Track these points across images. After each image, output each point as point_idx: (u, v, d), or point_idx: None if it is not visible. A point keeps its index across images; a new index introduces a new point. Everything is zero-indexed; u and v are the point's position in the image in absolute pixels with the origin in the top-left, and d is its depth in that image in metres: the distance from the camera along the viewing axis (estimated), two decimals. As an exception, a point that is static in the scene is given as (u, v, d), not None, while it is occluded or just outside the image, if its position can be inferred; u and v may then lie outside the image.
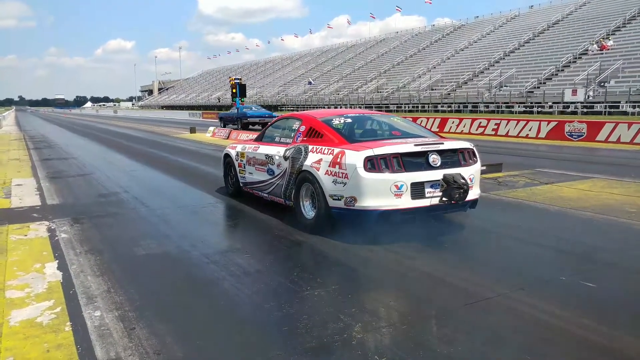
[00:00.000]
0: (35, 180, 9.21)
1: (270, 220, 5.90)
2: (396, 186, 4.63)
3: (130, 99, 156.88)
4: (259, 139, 6.85)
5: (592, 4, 40.18)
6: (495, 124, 19.85)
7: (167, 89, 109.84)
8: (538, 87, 31.36)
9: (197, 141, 19.02)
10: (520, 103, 30.84)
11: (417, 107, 37.53)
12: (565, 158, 12.43)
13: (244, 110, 26.79)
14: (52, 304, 3.47)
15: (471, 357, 2.76)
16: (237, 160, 7.11)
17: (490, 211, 6.10)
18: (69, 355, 2.77)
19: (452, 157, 5.06)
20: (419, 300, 3.61)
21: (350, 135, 5.38)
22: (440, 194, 4.77)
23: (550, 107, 28.75)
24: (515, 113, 29.07)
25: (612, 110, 25.28)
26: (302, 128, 5.79)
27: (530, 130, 18.44)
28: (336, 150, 4.99)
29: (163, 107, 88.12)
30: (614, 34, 33.03)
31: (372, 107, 38.79)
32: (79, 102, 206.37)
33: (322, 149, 5.20)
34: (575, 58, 32.46)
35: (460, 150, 5.17)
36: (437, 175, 4.78)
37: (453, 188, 4.71)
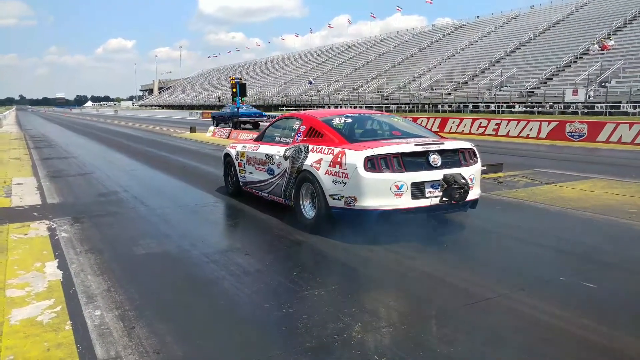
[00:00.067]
0: (36, 180, 9.21)
1: (270, 219, 5.90)
2: (396, 186, 4.63)
3: (131, 99, 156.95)
4: (259, 139, 6.85)
5: (593, 4, 40.15)
6: (496, 124, 19.85)
7: (167, 89, 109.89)
8: (539, 87, 31.34)
9: (197, 141, 19.02)
10: (521, 103, 30.82)
11: (418, 107, 37.51)
12: (566, 158, 12.43)
13: (235, 109, 27.36)
14: (52, 303, 3.47)
15: (471, 357, 2.75)
16: (237, 160, 7.11)
17: (491, 211, 6.10)
18: (69, 354, 2.77)
19: (452, 157, 5.06)
20: (419, 300, 3.61)
21: (351, 135, 5.38)
22: (441, 194, 4.77)
23: (551, 107, 28.73)
24: (516, 113, 29.06)
25: (613, 110, 25.25)
26: (303, 128, 5.79)
27: (530, 130, 18.44)
28: (336, 150, 4.99)
29: (163, 107, 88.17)
30: (614, 34, 33.01)
31: (372, 107, 38.78)
32: (80, 101, 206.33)
33: (322, 148, 5.20)
34: (576, 58, 32.43)
35: (461, 150, 5.17)
36: (437, 175, 4.78)
37: (453, 188, 4.71)
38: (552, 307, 3.33)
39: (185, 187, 8.62)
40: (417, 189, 4.72)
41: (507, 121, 19.76)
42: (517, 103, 30.96)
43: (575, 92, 27.21)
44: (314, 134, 5.55)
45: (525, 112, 29.07)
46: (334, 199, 4.91)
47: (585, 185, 7.87)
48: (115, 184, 8.68)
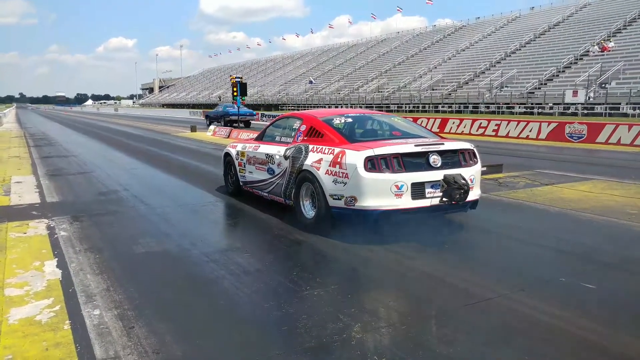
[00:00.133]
0: (35, 178, 9.20)
1: (270, 219, 5.90)
2: (396, 186, 4.62)
3: (131, 97, 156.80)
4: (259, 138, 6.84)
5: (593, 6, 40.16)
6: (496, 125, 19.86)
7: (168, 87, 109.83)
8: (539, 88, 31.35)
9: (197, 140, 19.01)
10: (521, 104, 30.83)
11: (418, 107, 37.50)
12: (566, 159, 12.43)
13: (227, 108, 28.90)
14: (51, 302, 3.46)
15: (471, 357, 2.75)
16: (237, 159, 7.10)
17: (491, 212, 6.09)
18: (67, 353, 2.76)
19: (452, 158, 5.06)
20: (419, 300, 3.61)
21: (351, 135, 5.38)
22: (441, 194, 4.76)
23: (551, 108, 28.75)
24: (516, 114, 29.07)
25: (613, 111, 25.26)
26: (303, 127, 5.78)
27: (530, 131, 18.44)
28: (337, 150, 4.99)
29: (164, 106, 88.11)
30: (614, 35, 33.01)
31: (372, 107, 38.76)
32: (80, 99, 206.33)
33: (322, 148, 5.19)
34: (576, 59, 32.44)
35: (461, 151, 5.17)
36: (437, 175, 4.78)
37: (453, 188, 4.70)
38: (552, 308, 3.32)
39: (186, 186, 8.61)
40: (417, 189, 4.72)
41: (507, 122, 19.77)
42: (517, 104, 30.98)
43: (575, 93, 27.23)
44: (315, 133, 5.54)
45: (525, 113, 29.08)
46: (334, 198, 4.91)
47: (585, 187, 7.87)
48: (116, 183, 8.67)
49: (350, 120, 5.79)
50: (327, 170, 4.97)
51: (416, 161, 4.81)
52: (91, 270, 4.12)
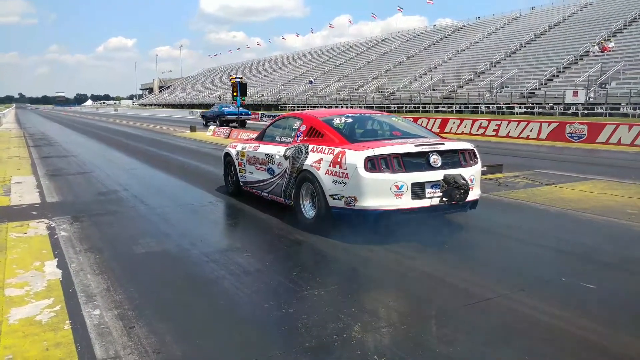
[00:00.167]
0: (35, 178, 9.20)
1: (270, 219, 5.90)
2: (396, 186, 4.62)
3: (131, 97, 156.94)
4: (259, 138, 6.85)
5: (594, 6, 40.15)
6: (496, 125, 19.86)
7: (167, 87, 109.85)
8: (539, 88, 31.34)
9: (197, 140, 19.01)
10: (521, 104, 30.82)
11: (418, 107, 37.49)
12: (566, 159, 12.43)
13: (223, 108, 29.51)
14: (51, 302, 3.46)
15: (471, 357, 2.75)
16: (237, 160, 7.11)
17: (491, 212, 6.10)
18: (68, 353, 2.76)
19: (452, 158, 5.06)
20: (419, 300, 3.61)
21: (351, 135, 5.38)
22: (441, 194, 4.76)
23: (551, 108, 28.73)
24: (516, 114, 29.06)
25: (613, 112, 25.25)
26: (303, 127, 5.79)
27: (531, 131, 18.44)
28: (337, 150, 4.99)
29: (164, 106, 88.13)
30: (615, 35, 33.00)
31: (373, 107, 38.77)
32: (80, 99, 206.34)
33: (322, 148, 5.19)
34: (577, 59, 32.42)
35: (461, 151, 5.17)
36: (437, 175, 4.78)
37: (453, 188, 4.70)
38: (552, 308, 3.33)
39: (185, 186, 8.62)
40: (417, 189, 4.72)
41: (507, 122, 19.77)
42: (518, 104, 30.97)
43: (575, 94, 27.22)
44: (315, 133, 5.54)
45: (525, 113, 29.08)
46: (334, 198, 4.91)
47: (585, 187, 7.87)
48: (115, 183, 8.67)
49: (350, 120, 5.79)
50: (327, 170, 4.97)
51: (416, 161, 4.81)
52: (91, 270, 4.12)
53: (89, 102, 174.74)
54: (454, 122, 21.74)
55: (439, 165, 4.85)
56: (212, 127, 22.42)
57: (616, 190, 7.49)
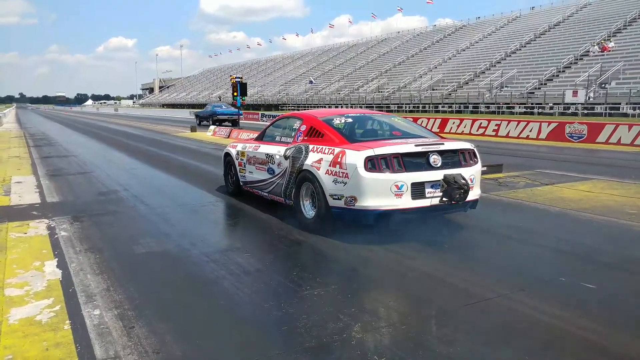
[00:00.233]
0: (35, 178, 9.20)
1: (270, 219, 5.90)
2: (396, 186, 4.62)
3: (131, 97, 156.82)
4: (259, 138, 6.85)
5: (593, 6, 40.16)
6: (496, 125, 19.85)
7: (168, 87, 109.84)
8: (539, 88, 31.35)
9: (197, 140, 19.01)
10: (521, 104, 30.84)
11: (418, 107, 37.50)
12: (566, 159, 12.43)
13: (215, 108, 29.89)
14: (51, 302, 3.46)
15: (471, 357, 2.75)
16: (237, 159, 7.11)
17: (491, 212, 6.10)
18: (68, 353, 2.76)
19: (452, 158, 5.06)
20: (419, 300, 3.61)
21: (351, 135, 5.38)
22: (441, 194, 4.76)
23: (551, 108, 28.75)
24: (516, 114, 29.08)
25: (613, 111, 25.27)
26: (303, 127, 5.79)
27: (530, 131, 18.44)
28: (337, 149, 4.99)
29: (164, 106, 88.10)
30: (615, 35, 33.02)
31: (373, 107, 38.76)
32: (80, 99, 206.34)
33: (322, 148, 5.19)
34: (576, 59, 32.44)
35: (461, 151, 5.17)
36: (437, 175, 4.77)
37: (453, 188, 4.70)
38: (552, 308, 3.32)
39: (186, 186, 8.61)
40: (417, 189, 4.72)
41: (507, 122, 19.76)
42: (518, 104, 30.98)
43: (575, 93, 27.24)
44: (315, 133, 5.54)
45: (525, 113, 29.09)
46: (334, 198, 4.91)
47: (585, 186, 7.87)
48: (115, 183, 8.67)
49: (350, 120, 5.79)
50: (327, 170, 4.97)
51: (416, 161, 4.81)
52: (91, 270, 4.12)
53: (90, 102, 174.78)
54: (453, 122, 21.73)
55: (439, 165, 4.85)
56: (212, 127, 22.42)
57: (616, 190, 7.49)
